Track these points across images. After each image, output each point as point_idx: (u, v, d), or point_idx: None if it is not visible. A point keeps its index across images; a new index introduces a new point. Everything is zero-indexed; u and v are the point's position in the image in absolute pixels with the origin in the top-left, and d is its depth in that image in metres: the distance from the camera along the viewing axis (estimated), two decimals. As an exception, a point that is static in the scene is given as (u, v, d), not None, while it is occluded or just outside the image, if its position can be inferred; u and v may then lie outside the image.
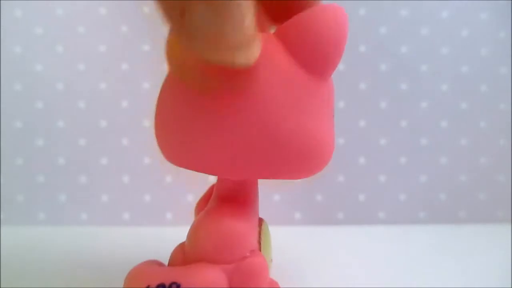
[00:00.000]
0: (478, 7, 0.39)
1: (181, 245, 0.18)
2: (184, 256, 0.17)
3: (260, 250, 0.18)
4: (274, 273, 0.23)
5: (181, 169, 0.17)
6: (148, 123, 0.38)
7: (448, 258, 0.27)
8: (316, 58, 0.16)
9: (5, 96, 0.38)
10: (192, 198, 0.37)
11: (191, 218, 0.20)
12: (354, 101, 0.39)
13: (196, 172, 0.17)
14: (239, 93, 0.15)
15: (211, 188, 0.22)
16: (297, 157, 0.16)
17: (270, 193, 0.39)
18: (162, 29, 0.16)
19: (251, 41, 0.14)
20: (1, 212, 0.38)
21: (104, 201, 0.39)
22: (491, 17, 0.39)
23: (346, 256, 0.28)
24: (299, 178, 0.17)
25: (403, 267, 0.25)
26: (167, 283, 0.15)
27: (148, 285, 0.15)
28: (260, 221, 0.20)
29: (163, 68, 0.18)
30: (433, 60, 0.39)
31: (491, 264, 0.26)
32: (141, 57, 0.39)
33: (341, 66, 0.39)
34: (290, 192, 0.39)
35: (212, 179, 0.22)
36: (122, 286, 0.21)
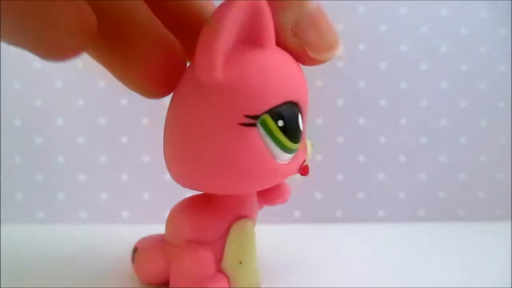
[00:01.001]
0: (477, 5, 0.39)
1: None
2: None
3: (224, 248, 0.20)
4: (274, 271, 0.23)
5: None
6: (147, 121, 0.38)
7: (447, 256, 0.27)
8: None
9: (4, 95, 0.38)
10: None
11: (190, 216, 0.20)
12: (353, 99, 0.39)
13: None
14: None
15: None
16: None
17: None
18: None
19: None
20: (0, 211, 0.38)
21: (103, 200, 0.39)
22: (490, 15, 0.39)
23: (346, 254, 0.28)
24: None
25: (402, 265, 0.25)
26: None
27: None
28: (238, 219, 0.20)
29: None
30: (432, 58, 0.39)
31: (491, 262, 0.26)
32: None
33: (340, 64, 0.39)
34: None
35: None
36: (121, 284, 0.21)
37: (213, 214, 0.20)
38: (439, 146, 0.40)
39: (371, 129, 0.39)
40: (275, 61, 0.16)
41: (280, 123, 0.16)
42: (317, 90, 0.38)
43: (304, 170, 0.18)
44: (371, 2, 0.39)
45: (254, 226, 0.20)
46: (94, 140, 0.39)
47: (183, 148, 0.17)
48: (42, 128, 0.38)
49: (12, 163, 0.38)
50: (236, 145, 0.16)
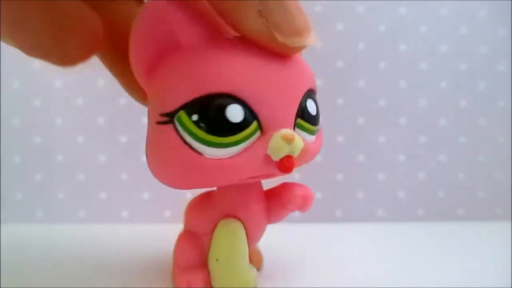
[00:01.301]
0: (477, 5, 0.39)
1: None
2: None
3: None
4: (274, 271, 0.23)
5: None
6: (147, 120, 0.38)
7: (447, 255, 0.27)
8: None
9: (3, 94, 0.38)
10: (191, 196, 0.37)
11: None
12: (353, 98, 0.39)
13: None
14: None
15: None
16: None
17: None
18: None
19: None
20: (0, 211, 0.38)
21: (103, 199, 0.39)
22: (489, 14, 0.39)
23: (345, 254, 0.28)
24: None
25: (401, 264, 0.25)
26: None
27: None
28: (225, 217, 0.20)
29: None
30: (432, 58, 0.39)
31: (490, 261, 0.26)
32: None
33: (340, 64, 0.39)
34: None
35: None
36: (119, 283, 0.21)
37: (206, 210, 0.21)
38: (439, 145, 0.40)
39: (370, 128, 0.39)
40: (190, 57, 0.16)
41: (195, 117, 0.16)
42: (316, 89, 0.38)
43: (281, 167, 0.17)
44: (370, 1, 0.39)
45: (240, 227, 0.20)
46: (93, 140, 0.39)
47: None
48: (41, 128, 0.38)
49: (11, 163, 0.38)
50: (159, 143, 0.17)
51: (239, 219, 0.20)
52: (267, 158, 0.17)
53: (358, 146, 0.40)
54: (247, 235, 0.20)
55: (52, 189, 0.38)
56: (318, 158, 0.39)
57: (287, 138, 0.16)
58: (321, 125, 0.20)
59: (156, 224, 0.37)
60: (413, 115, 0.40)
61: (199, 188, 0.18)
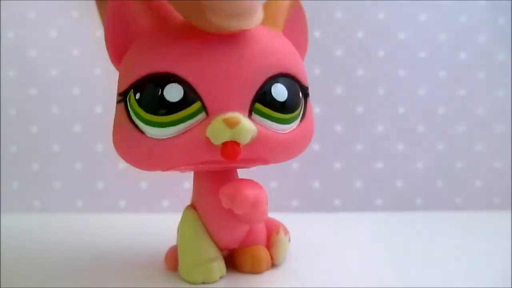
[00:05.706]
0: (476, -7, 0.39)
1: None
2: None
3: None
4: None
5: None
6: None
7: (445, 245, 0.27)
8: None
9: (-1, 83, 0.38)
10: (189, 185, 0.37)
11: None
12: (352, 87, 0.39)
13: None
14: None
15: None
16: None
17: (267, 180, 0.39)
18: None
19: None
20: (-3, 200, 0.37)
21: (100, 188, 0.38)
22: (489, 3, 0.39)
23: (343, 243, 0.28)
24: None
25: (400, 254, 0.25)
26: None
27: None
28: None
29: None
30: (431, 47, 0.39)
31: (488, 251, 0.26)
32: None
33: (338, 52, 0.39)
34: (287, 179, 0.39)
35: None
36: (117, 273, 0.21)
37: None
38: (437, 135, 0.40)
39: (369, 117, 0.39)
40: (142, 43, 0.17)
41: (138, 96, 0.16)
42: (315, 78, 0.38)
43: (224, 152, 0.16)
44: (369, -11, 0.39)
45: (187, 215, 0.20)
46: (90, 129, 0.38)
47: None
48: (37, 117, 0.38)
49: (8, 153, 0.38)
50: (115, 121, 0.18)
51: (194, 207, 0.20)
52: (208, 142, 0.16)
53: (356, 135, 0.39)
54: (207, 227, 0.19)
55: (49, 179, 0.38)
56: (316, 147, 0.39)
57: (228, 122, 0.15)
58: (308, 116, 0.19)
59: (154, 213, 0.37)
60: (412, 104, 0.39)
61: (147, 169, 0.18)
